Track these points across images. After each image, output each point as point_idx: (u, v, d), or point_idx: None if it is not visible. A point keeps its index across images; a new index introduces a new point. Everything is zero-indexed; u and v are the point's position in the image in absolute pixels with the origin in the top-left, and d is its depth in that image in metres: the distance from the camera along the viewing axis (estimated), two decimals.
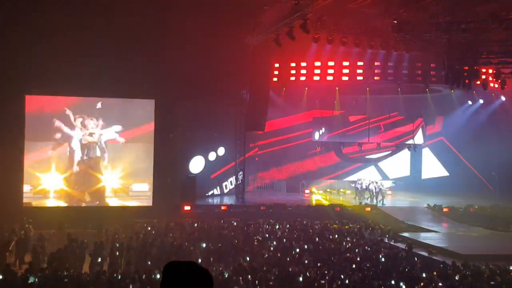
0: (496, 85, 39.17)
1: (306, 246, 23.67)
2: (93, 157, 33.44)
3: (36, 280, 17.01)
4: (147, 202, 34.00)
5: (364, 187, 40.19)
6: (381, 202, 38.47)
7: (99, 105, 33.30)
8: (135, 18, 31.50)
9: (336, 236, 26.83)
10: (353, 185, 42.15)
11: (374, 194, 39.15)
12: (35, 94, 32.71)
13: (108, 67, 31.34)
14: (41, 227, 26.78)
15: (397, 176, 46.60)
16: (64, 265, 19.41)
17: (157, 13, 31.85)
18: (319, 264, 20.48)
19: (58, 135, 32.88)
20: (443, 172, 45.85)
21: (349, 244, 24.70)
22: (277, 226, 29.08)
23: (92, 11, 30.53)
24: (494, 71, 33.56)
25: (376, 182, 40.23)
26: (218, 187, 40.89)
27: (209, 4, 31.65)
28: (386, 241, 27.50)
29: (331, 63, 41.10)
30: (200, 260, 20.41)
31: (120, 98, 33.98)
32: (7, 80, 30.23)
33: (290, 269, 18.75)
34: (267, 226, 29.06)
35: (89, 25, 30.79)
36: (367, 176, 43.40)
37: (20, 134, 32.18)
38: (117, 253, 21.89)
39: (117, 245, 22.97)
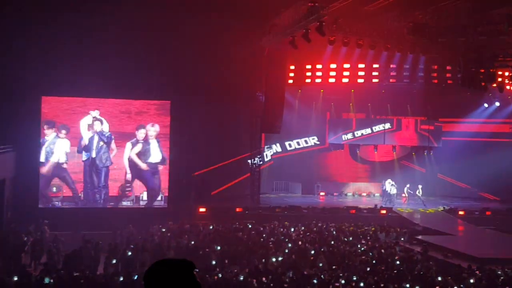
0: None
1: (321, 249, 23.62)
2: (108, 159, 33.60)
3: (51, 281, 17.11)
4: (162, 204, 34.13)
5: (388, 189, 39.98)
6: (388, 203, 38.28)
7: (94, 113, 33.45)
8: (152, 20, 31.64)
9: (351, 238, 26.77)
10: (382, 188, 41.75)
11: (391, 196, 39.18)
12: (51, 95, 32.93)
13: (126, 69, 31.50)
14: (56, 229, 26.95)
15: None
16: (79, 267, 19.51)
17: (174, 16, 31.92)
18: (334, 267, 20.45)
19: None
20: (459, 175, 45.49)
21: (364, 247, 24.63)
22: (292, 229, 29.04)
23: (110, 13, 30.66)
24: (511, 74, 33.35)
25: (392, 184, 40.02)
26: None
27: (226, 7, 31.67)
28: (402, 244, 27.37)
29: (346, 66, 40.99)
30: (214, 262, 20.42)
31: (136, 100, 34.10)
32: (23, 82, 30.45)
33: (305, 272, 18.73)
34: (282, 229, 29.04)
35: (107, 28, 30.99)
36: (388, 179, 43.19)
37: (37, 135, 32.41)
38: (132, 255, 21.96)
39: (132, 247, 23.06)
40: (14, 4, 30.23)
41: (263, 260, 21.56)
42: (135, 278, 17.54)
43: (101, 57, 30.98)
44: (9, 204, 30.41)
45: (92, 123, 33.21)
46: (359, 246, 24.82)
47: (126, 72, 31.66)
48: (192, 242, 24.52)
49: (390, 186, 39.80)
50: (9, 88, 30.11)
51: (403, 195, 40.05)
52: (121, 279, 17.69)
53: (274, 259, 21.78)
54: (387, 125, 42.01)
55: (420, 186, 39.82)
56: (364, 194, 44.21)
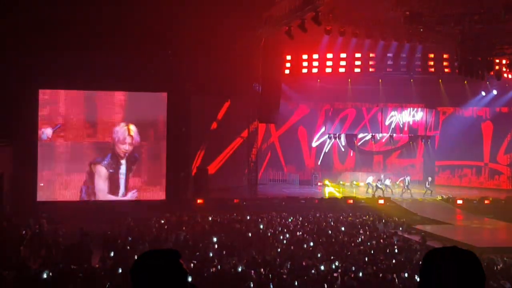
0: (510, 76, 38.96)
1: (319, 239, 23.62)
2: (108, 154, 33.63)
3: (50, 274, 17.08)
4: (160, 196, 34.12)
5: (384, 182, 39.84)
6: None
7: None
8: (147, 11, 31.51)
9: (349, 229, 26.78)
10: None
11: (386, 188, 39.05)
12: (48, 88, 32.87)
13: (120, 61, 31.43)
14: (54, 222, 26.93)
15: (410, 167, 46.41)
16: (78, 260, 19.48)
17: (169, 6, 31.80)
18: (332, 257, 20.44)
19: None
20: (455, 163, 45.61)
21: (362, 237, 24.63)
22: (290, 219, 29.05)
23: (104, 4, 30.56)
24: (508, 62, 33.31)
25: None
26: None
27: None
28: (400, 233, 27.38)
29: (343, 55, 40.96)
30: (212, 254, 20.40)
31: (132, 92, 34.04)
32: (20, 75, 30.38)
33: (304, 263, 18.72)
34: (280, 219, 29.03)
35: (101, 19, 30.87)
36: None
37: (34, 129, 32.37)
38: (130, 247, 21.94)
39: (130, 239, 23.04)
40: None
41: (261, 251, 21.55)
42: None
43: (98, 50, 30.89)
44: (7, 198, 30.41)
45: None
46: (357, 236, 24.82)
47: (123, 64, 31.58)
48: (190, 234, 24.50)
49: (386, 180, 39.71)
50: (5, 81, 30.00)
51: (401, 185, 40.10)
52: (120, 271, 17.66)
53: (272, 251, 21.79)
54: (385, 115, 41.97)
55: (407, 178, 39.72)
56: (362, 183, 44.23)
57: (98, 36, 30.85)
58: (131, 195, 33.94)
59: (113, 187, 33.83)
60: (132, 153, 34.05)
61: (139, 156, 34.19)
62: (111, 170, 33.75)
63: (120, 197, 33.72)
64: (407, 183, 38.85)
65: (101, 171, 33.71)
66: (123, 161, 33.89)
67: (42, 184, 32.62)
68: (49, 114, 32.96)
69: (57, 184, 33.10)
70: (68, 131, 33.19)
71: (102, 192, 33.67)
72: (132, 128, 33.86)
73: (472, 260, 3.01)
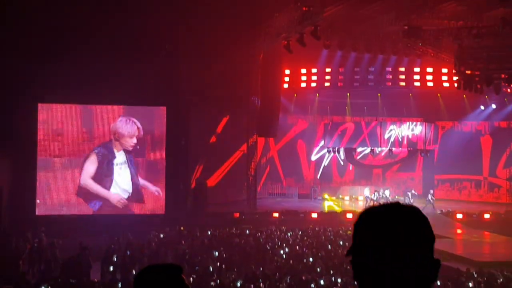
0: (509, 90, 39.00)
1: (319, 254, 23.56)
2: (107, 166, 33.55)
3: None
4: (160, 210, 34.02)
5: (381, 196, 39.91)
6: None
7: None
8: (146, 25, 31.55)
9: (347, 244, 26.70)
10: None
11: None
12: (47, 102, 32.88)
13: (120, 74, 31.44)
14: (53, 236, 26.84)
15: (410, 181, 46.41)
16: (77, 274, 19.42)
17: (169, 20, 31.86)
18: (331, 271, 20.38)
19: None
20: (455, 177, 45.63)
21: None
22: (289, 233, 28.99)
23: (103, 18, 30.59)
24: (506, 76, 33.34)
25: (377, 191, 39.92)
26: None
27: (220, 11, 31.64)
28: None
29: (342, 69, 41.06)
30: (211, 268, 20.35)
31: (131, 106, 34.04)
32: (19, 88, 30.38)
33: (303, 278, 18.66)
34: (279, 233, 28.97)
35: (100, 32, 30.88)
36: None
37: (33, 142, 32.34)
38: (129, 262, 21.88)
39: (129, 253, 22.99)
40: (10, 10, 30.13)
41: (260, 265, 21.48)
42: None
43: (97, 63, 30.91)
44: (5, 212, 30.32)
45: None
46: None
47: (121, 78, 31.59)
48: (189, 249, 24.45)
49: (386, 192, 39.77)
50: (4, 95, 29.99)
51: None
52: (119, 286, 17.62)
53: (271, 265, 21.73)
54: (384, 128, 41.98)
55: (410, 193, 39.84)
56: (361, 198, 44.14)
57: (97, 50, 30.86)
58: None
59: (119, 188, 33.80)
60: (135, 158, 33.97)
61: (138, 167, 34.08)
62: (111, 176, 33.67)
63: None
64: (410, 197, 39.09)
65: (101, 179, 33.62)
66: (124, 164, 33.78)
67: (39, 201, 32.53)
68: (48, 128, 32.93)
69: (56, 198, 33.01)
70: (66, 145, 33.12)
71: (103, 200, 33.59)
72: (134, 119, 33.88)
73: (416, 216, 2.43)
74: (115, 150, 33.52)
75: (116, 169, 33.57)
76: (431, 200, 38.45)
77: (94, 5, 30.51)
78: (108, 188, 33.51)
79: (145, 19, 31.16)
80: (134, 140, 33.67)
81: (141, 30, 31.62)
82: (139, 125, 33.62)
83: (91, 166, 33.32)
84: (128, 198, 33.75)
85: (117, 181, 33.61)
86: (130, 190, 33.80)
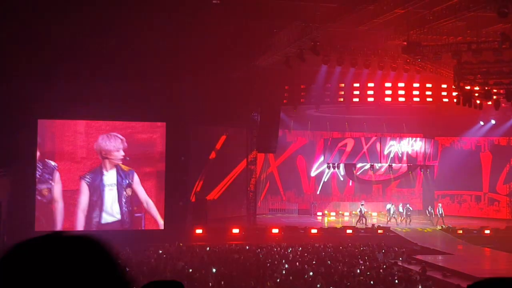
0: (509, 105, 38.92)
1: (318, 270, 23.46)
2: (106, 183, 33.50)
3: None
4: (159, 225, 33.94)
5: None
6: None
7: None
8: (146, 41, 31.63)
9: (347, 260, 26.60)
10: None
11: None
12: (47, 118, 32.88)
13: (120, 90, 31.49)
14: None
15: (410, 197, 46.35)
16: None
17: (169, 36, 31.90)
18: None
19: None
20: (455, 192, 45.59)
21: (362, 267, 24.47)
22: (289, 249, 28.89)
23: (103, 34, 30.64)
24: (506, 92, 33.33)
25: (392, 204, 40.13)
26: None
27: (220, 28, 31.69)
28: (400, 263, 27.20)
29: (341, 85, 41.02)
30: (211, 285, 20.25)
31: (131, 122, 34.04)
32: (18, 104, 30.37)
33: None
34: (279, 249, 28.87)
35: (100, 48, 30.96)
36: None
37: (32, 158, 32.32)
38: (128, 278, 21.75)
39: (127, 269, 22.86)
40: (9, 25, 30.16)
41: (260, 281, 21.38)
42: None
43: (96, 79, 30.97)
44: (5, 227, 30.22)
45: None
46: (357, 266, 24.65)
47: (121, 94, 31.63)
48: (188, 265, 24.35)
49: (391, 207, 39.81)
50: (4, 111, 29.98)
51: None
52: None
53: (271, 281, 21.62)
54: (384, 144, 41.94)
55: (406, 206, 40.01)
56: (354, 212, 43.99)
57: (96, 67, 30.92)
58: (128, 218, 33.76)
59: (111, 212, 33.65)
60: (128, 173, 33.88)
61: (136, 185, 34.03)
62: (108, 194, 33.61)
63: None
64: (406, 212, 39.13)
65: (99, 196, 33.56)
66: (116, 183, 33.73)
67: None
68: (47, 144, 32.94)
69: (56, 213, 32.93)
70: (65, 161, 33.10)
71: (102, 218, 33.51)
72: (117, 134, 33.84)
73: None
74: (104, 171, 33.45)
75: (107, 195, 33.54)
76: (431, 216, 38.47)
77: (94, 23, 30.56)
78: (99, 218, 33.53)
79: (145, 36, 31.22)
80: (122, 153, 33.64)
81: (141, 46, 31.70)
82: (121, 136, 33.59)
83: (83, 197, 33.32)
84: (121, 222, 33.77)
85: (107, 210, 33.64)
86: (120, 217, 33.78)
